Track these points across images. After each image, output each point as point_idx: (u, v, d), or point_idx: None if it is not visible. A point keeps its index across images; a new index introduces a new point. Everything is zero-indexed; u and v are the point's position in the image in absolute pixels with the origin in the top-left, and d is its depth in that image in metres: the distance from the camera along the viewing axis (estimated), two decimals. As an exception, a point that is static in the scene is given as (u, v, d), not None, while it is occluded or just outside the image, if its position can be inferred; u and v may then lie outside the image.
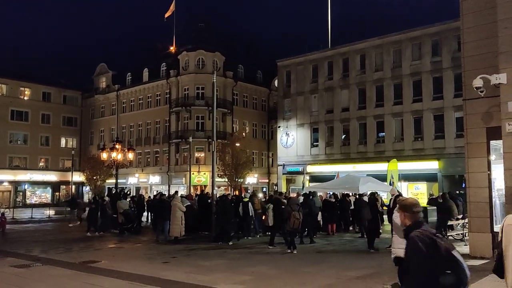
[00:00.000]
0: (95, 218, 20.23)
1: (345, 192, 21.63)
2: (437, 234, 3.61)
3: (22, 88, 51.81)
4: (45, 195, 52.24)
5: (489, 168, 11.83)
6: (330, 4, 41.02)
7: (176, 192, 22.57)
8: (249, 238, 17.49)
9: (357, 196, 20.39)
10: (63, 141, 54.85)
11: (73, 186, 44.00)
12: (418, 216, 3.79)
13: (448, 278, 3.41)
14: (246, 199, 18.36)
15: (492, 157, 11.91)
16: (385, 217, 15.62)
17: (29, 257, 13.14)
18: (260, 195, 23.71)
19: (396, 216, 6.94)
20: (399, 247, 7.04)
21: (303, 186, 35.50)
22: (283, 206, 14.78)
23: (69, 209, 29.70)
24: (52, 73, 58.19)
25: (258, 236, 18.03)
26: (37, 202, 48.59)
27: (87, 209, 22.65)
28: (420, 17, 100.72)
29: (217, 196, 18.91)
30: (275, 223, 15.52)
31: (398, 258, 7.04)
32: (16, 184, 49.36)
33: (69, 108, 55.49)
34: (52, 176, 51.83)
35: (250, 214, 17.91)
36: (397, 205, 5.49)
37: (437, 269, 3.43)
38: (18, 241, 17.55)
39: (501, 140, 10.88)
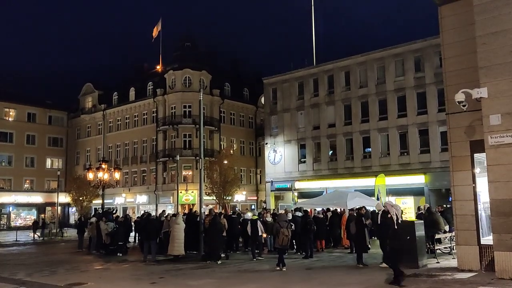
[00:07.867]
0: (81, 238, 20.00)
1: (333, 208, 21.62)
2: None
3: (7, 109, 51.34)
4: (30, 217, 51.21)
5: (474, 181, 11.95)
6: (314, 22, 41.83)
7: (164, 211, 22.39)
8: (260, 258, 16.29)
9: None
10: (48, 161, 54.22)
11: (59, 207, 43.30)
12: None
13: None
14: (255, 217, 17.46)
15: (477, 170, 12.05)
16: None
17: (13, 280, 12.85)
18: (249, 213, 23.49)
19: None
20: None
21: (292, 198, 35.18)
22: (278, 223, 13.94)
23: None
24: (37, 93, 57.58)
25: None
26: (22, 225, 47.67)
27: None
28: (402, 34, 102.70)
29: (205, 213, 18.65)
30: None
31: None
32: (0, 206, 48.44)
33: (55, 129, 55.02)
34: (37, 198, 51.02)
35: (260, 234, 16.57)
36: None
37: None
38: (2, 265, 17.14)
39: (485, 153, 11.03)
